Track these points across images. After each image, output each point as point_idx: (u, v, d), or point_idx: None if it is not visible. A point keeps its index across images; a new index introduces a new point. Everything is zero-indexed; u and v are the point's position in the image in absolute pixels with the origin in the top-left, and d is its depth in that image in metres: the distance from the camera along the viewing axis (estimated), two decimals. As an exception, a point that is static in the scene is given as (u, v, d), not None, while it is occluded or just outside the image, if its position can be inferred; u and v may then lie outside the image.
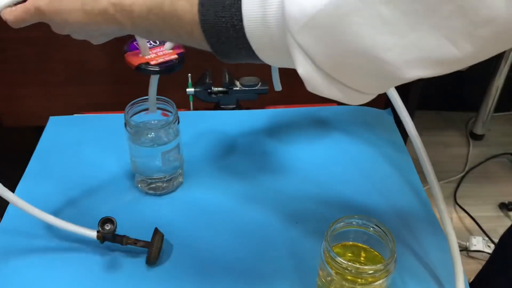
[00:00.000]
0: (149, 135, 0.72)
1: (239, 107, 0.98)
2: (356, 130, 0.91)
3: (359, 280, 0.53)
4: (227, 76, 0.95)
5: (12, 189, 0.76)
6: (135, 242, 0.65)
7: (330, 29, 0.34)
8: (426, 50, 0.34)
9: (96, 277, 0.64)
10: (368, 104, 0.68)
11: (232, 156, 0.85)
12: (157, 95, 0.71)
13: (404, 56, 0.34)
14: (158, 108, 0.71)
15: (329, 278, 0.55)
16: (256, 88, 0.94)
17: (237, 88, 0.95)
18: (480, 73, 1.98)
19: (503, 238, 0.90)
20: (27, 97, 1.43)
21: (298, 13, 0.34)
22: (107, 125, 0.91)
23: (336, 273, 0.54)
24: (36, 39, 1.28)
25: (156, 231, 0.66)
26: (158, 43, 0.64)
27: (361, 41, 0.34)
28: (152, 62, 0.61)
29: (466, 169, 1.90)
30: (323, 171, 0.82)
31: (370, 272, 0.52)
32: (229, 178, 0.80)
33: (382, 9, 0.32)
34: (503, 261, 0.85)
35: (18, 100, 1.43)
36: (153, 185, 0.76)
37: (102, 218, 0.63)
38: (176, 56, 0.62)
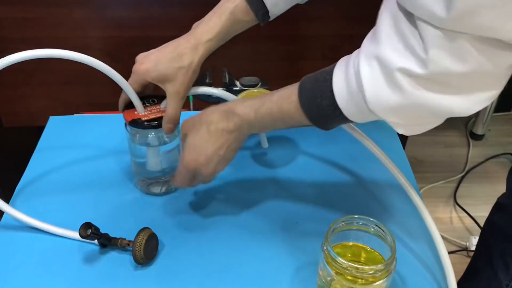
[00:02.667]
0: (149, 135, 0.72)
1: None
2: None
3: (359, 280, 0.53)
4: (227, 76, 0.95)
5: (12, 189, 0.76)
6: (121, 242, 0.66)
7: (406, 110, 0.50)
8: (483, 99, 0.48)
9: (94, 277, 0.64)
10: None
11: (232, 156, 0.85)
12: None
13: (465, 107, 0.48)
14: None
15: (329, 278, 0.55)
16: (256, 88, 0.94)
17: (237, 88, 0.94)
18: (480, 73, 1.97)
19: (484, 230, 0.92)
20: (27, 97, 1.42)
21: (381, 108, 0.50)
22: (107, 125, 0.91)
23: (336, 273, 0.54)
24: (36, 39, 1.28)
25: (142, 230, 0.65)
26: (156, 101, 0.71)
27: (434, 110, 0.49)
28: (144, 118, 0.69)
29: (466, 169, 1.90)
30: (323, 171, 0.82)
31: (370, 272, 0.52)
32: (228, 178, 0.80)
33: (434, 88, 0.47)
34: (487, 253, 0.86)
35: (18, 100, 1.43)
36: (153, 185, 0.76)
37: (81, 225, 0.63)
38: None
